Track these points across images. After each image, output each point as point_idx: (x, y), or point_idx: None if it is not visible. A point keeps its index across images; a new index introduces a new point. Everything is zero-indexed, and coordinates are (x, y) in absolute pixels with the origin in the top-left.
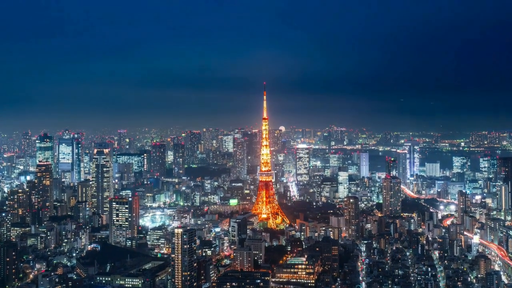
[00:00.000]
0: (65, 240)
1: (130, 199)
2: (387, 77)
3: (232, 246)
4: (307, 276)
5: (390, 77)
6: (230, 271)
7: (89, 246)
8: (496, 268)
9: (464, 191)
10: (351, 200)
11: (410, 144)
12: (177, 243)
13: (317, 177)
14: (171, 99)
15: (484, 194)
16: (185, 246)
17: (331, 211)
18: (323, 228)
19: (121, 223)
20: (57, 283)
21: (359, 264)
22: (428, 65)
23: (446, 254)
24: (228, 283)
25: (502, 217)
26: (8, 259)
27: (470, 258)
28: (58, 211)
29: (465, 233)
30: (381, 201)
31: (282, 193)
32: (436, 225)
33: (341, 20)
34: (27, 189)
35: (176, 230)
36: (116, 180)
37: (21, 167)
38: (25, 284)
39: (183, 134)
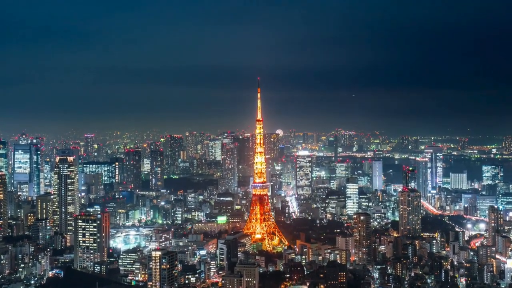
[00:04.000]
0: (22, 265)
1: (99, 216)
2: (404, 72)
3: (220, 272)
4: None
5: (407, 72)
6: None
7: (50, 272)
8: None
9: (496, 206)
10: (362, 218)
11: (431, 150)
12: (155, 269)
13: (321, 190)
14: (147, 98)
15: None
16: (165, 272)
17: (338, 230)
18: (329, 251)
19: (88, 244)
20: None
21: None
22: (453, 59)
23: (474, 282)
24: None
25: None
26: None
27: (503, 286)
28: (13, 231)
29: (497, 256)
30: (397, 219)
31: (280, 209)
32: (463, 247)
33: (349, 5)
34: None
35: (153, 253)
36: (83, 194)
37: None
38: None
39: (162, 139)
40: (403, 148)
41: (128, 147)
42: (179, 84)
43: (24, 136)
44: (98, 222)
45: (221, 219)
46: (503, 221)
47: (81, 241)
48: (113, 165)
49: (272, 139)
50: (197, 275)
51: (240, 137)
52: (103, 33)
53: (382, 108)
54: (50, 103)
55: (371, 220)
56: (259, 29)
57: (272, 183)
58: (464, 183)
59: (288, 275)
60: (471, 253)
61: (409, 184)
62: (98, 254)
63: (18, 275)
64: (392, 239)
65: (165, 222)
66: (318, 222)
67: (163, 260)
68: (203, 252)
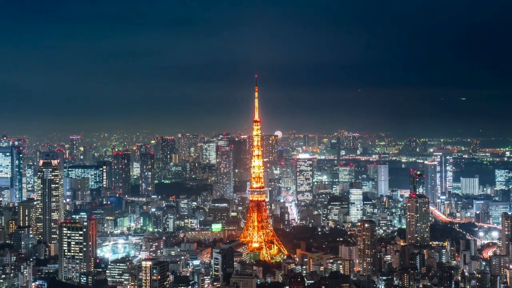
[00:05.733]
0: (3, 276)
1: (85, 223)
2: (411, 71)
3: (215, 283)
4: None
5: (415, 70)
6: None
7: (33, 284)
8: None
9: (509, 213)
10: (366, 225)
11: (441, 153)
12: (145, 280)
13: (323, 195)
14: (137, 97)
15: None
16: (155, 283)
17: (341, 239)
18: (331, 261)
19: (73, 254)
20: None
21: None
22: (464, 57)
23: None
24: None
25: None
26: None
27: None
28: None
29: (511, 267)
30: (404, 226)
31: (279, 216)
32: (474, 256)
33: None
34: None
35: (143, 263)
36: (68, 200)
37: None
38: None
39: (152, 141)
40: (410, 150)
41: (116, 149)
42: (171, 82)
43: (5, 138)
44: (85, 230)
45: (216, 227)
46: None
47: (66, 250)
48: (101, 169)
49: (270, 141)
50: (190, 287)
51: (236, 139)
52: (88, 28)
53: (388, 108)
54: (33, 102)
55: (377, 228)
56: (257, 23)
57: (270, 188)
58: (476, 188)
59: (287, 287)
60: (483, 263)
61: (417, 190)
62: (85, 264)
63: None
64: (398, 248)
65: (156, 230)
66: (319, 230)
67: (154, 271)
68: (196, 262)
